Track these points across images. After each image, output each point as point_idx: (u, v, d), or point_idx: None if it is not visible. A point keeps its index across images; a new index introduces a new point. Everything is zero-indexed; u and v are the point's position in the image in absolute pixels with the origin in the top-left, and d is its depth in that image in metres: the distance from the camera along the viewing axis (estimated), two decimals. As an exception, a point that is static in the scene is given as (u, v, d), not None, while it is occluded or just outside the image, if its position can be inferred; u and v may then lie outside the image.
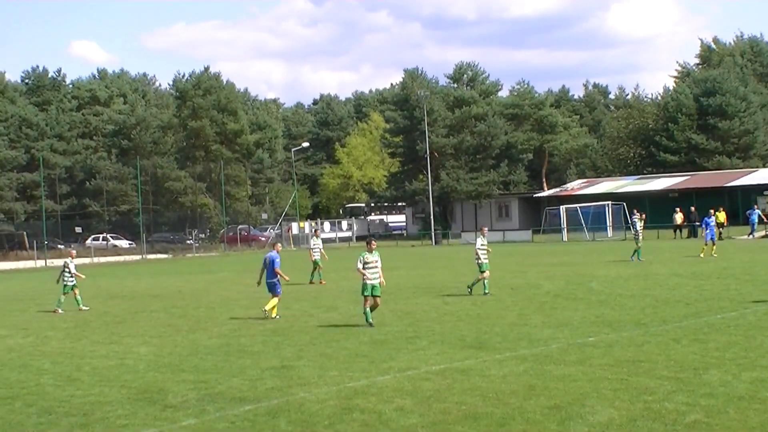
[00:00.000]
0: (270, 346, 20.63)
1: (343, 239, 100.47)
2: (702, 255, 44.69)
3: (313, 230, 47.24)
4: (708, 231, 46.05)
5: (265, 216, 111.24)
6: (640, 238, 44.93)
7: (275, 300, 26.48)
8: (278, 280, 26.60)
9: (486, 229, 33.78)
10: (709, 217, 47.68)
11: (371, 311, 23.37)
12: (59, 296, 32.25)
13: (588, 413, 12.74)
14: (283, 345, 20.63)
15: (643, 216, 46.86)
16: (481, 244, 30.89)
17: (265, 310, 26.23)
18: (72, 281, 32.19)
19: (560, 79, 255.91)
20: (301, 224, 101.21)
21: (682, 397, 13.40)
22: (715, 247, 45.72)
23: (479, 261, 30.64)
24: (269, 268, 26.60)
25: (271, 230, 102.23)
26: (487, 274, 30.63)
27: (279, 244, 29.20)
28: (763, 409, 12.54)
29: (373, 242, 24.09)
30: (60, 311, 31.50)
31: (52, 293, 40.52)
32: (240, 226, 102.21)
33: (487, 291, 30.32)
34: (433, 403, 13.77)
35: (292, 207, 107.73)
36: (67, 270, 32.32)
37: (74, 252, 35.65)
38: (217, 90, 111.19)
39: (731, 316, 22.01)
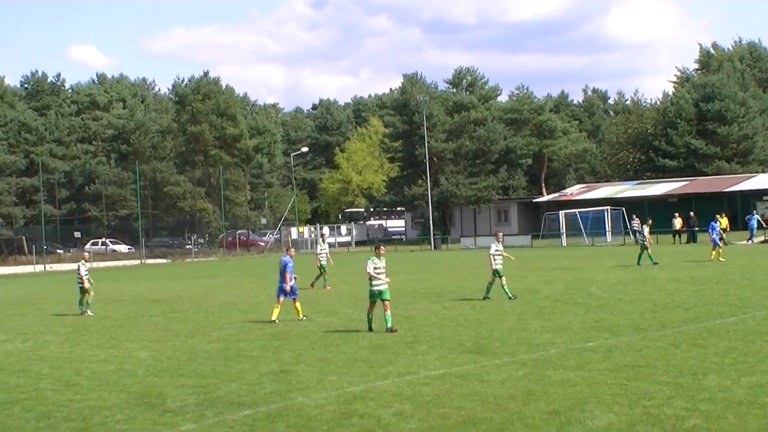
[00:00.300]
0: (269, 350, 20.62)
1: (342, 244, 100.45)
2: (721, 259, 44.82)
3: (320, 235, 47.15)
4: (715, 235, 46.20)
5: (264, 221, 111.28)
6: (647, 242, 44.81)
7: (297, 304, 26.56)
8: (293, 284, 26.58)
9: (501, 234, 33.59)
10: (715, 222, 47.83)
11: (388, 318, 23.02)
12: (86, 299, 32.21)
13: (587, 418, 12.74)
14: (283, 349, 20.62)
15: (650, 222, 46.86)
16: (496, 250, 30.70)
17: (302, 317, 26.32)
18: (88, 284, 32.16)
19: (559, 84, 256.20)
20: (300, 229, 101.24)
21: (681, 402, 13.39)
22: (714, 252, 45.79)
23: (493, 267, 30.48)
24: (282, 272, 26.59)
25: (270, 235, 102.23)
26: (503, 280, 30.51)
27: (292, 249, 29.28)
28: (762, 414, 12.54)
29: (381, 248, 24.01)
30: (89, 312, 31.59)
31: (51, 297, 40.59)
32: (239, 231, 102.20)
33: (488, 296, 30.26)
34: (432, 408, 13.76)
35: (291, 212, 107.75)
36: (78, 273, 32.32)
37: (87, 255, 35.53)
38: (217, 95, 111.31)
39: (730, 321, 22.00)
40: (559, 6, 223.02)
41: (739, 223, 72.31)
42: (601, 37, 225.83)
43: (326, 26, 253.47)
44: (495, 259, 30.43)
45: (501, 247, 31.11)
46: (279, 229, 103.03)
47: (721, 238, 47.10)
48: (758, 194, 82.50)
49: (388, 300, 23.13)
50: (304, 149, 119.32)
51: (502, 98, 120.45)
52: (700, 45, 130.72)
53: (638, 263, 44.13)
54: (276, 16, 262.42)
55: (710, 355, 17.36)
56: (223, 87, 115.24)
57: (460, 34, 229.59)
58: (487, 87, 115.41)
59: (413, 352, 19.43)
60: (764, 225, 66.02)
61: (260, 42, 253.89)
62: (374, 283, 23.08)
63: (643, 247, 44.73)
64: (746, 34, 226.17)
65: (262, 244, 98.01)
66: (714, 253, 45.67)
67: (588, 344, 19.32)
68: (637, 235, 69.68)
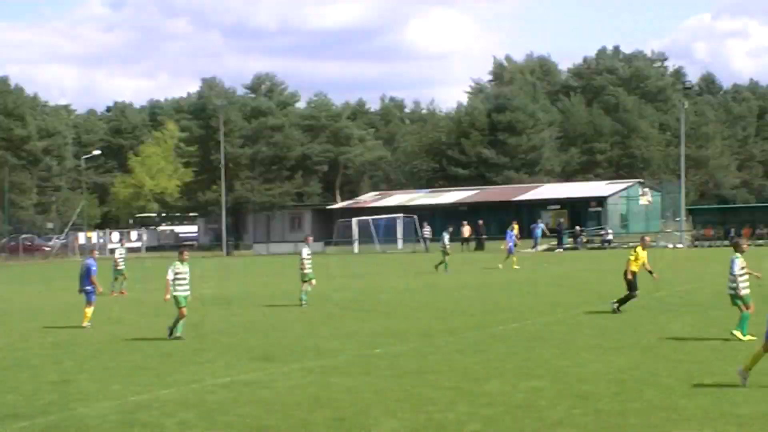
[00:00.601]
0: (49, 359, 19.92)
1: (132, 250, 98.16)
2: (516, 267, 45.92)
3: (119, 240, 46.24)
4: (511, 243, 47.46)
5: (51, 225, 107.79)
6: (447, 250, 45.63)
7: (90, 309, 25.69)
8: (93, 289, 25.80)
9: (311, 238, 33.36)
10: (512, 230, 49.19)
11: (179, 324, 22.57)
12: None
13: (372, 424, 12.83)
14: (64, 358, 19.96)
15: (450, 229, 47.82)
16: (307, 254, 30.42)
17: (87, 325, 25.53)
18: None
19: (358, 92, 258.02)
20: (89, 234, 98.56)
21: (463, 407, 13.64)
22: (508, 260, 46.93)
23: (304, 270, 30.14)
24: (85, 275, 25.78)
25: (56, 240, 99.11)
26: (313, 282, 30.22)
27: (96, 251, 28.49)
28: (537, 417, 12.91)
29: (185, 252, 23.58)
30: None
31: None
32: (23, 236, 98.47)
33: (304, 302, 29.93)
34: (216, 416, 13.59)
35: (80, 216, 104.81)
36: None
37: None
38: (4, 94, 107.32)
39: (513, 327, 22.63)
40: (360, 15, 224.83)
41: (525, 232, 74.55)
42: (400, 47, 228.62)
43: (124, 27, 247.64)
44: (305, 264, 30.13)
45: (311, 251, 30.98)
46: (66, 233, 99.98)
47: (514, 245, 48.51)
48: (543, 204, 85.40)
49: (184, 307, 22.69)
50: (96, 152, 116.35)
51: (301, 104, 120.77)
52: (494, 57, 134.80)
53: (436, 268, 44.77)
54: (72, 15, 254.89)
55: (492, 360, 17.80)
56: (12, 86, 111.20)
57: (261, 39, 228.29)
58: (286, 93, 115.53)
59: (200, 359, 19.17)
60: (548, 234, 68.29)
61: (54, 41, 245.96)
62: (177, 288, 22.55)
63: (444, 254, 45.48)
64: (537, 49, 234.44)
65: (47, 249, 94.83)
66: (507, 260, 46.85)
67: (375, 351, 19.50)
68: (428, 242, 71.12)
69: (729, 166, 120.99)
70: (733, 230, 61.71)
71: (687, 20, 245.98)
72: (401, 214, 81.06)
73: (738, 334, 19.05)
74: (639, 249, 25.48)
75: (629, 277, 24.95)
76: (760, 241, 61.20)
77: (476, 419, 12.93)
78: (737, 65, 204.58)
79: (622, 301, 24.89)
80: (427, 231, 72.83)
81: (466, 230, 70.56)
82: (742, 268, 19.28)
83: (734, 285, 19.28)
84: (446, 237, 46.48)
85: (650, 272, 25.30)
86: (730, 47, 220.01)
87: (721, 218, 67.55)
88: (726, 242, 56.49)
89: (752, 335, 18.89)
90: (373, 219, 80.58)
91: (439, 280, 40.04)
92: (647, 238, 27.52)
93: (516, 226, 54.87)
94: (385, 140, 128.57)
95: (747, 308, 19.22)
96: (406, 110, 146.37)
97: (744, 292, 19.25)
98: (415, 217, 78.84)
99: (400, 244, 78.75)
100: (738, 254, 19.40)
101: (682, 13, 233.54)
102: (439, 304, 29.37)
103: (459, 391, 14.81)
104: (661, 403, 13.52)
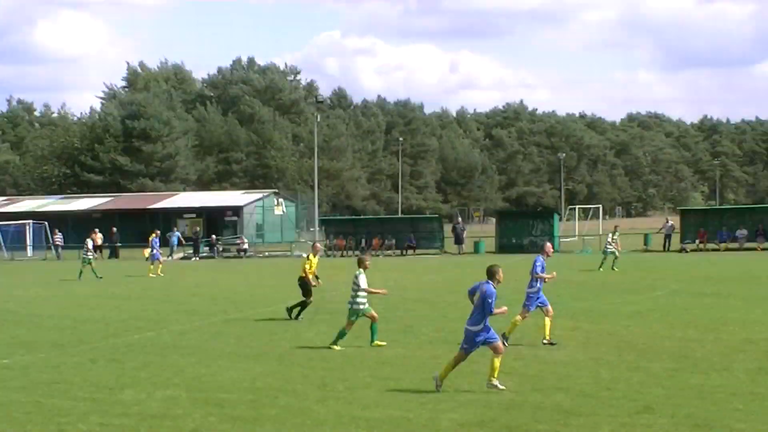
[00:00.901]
0: None
1: None
2: (161, 274, 45.29)
3: None
4: (156, 252, 46.88)
5: None
6: (89, 256, 44.55)
7: None
8: None
9: None
10: (156, 238, 48.61)
11: None
12: None
13: (-2, 438, 12.35)
14: None
15: (94, 236, 46.51)
16: None
17: None
18: None
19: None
20: None
21: (96, 418, 13.40)
22: (154, 267, 46.36)
23: None
24: None
25: None
26: None
27: None
28: (173, 426, 12.92)
29: None
30: None
31: None
32: None
33: None
34: None
35: None
36: None
37: None
38: None
39: (148, 336, 22.41)
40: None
41: (161, 241, 73.85)
42: (27, 49, 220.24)
43: None
44: None
45: None
46: None
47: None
48: (179, 212, 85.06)
49: None
50: None
51: None
52: (128, 63, 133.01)
53: (97, 277, 43.59)
54: None
55: (127, 369, 17.58)
56: None
57: None
58: None
59: None
60: (183, 242, 68.13)
61: None
62: None
63: (86, 262, 44.43)
64: (172, 56, 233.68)
65: None
66: (158, 267, 46.35)
67: (3, 361, 18.74)
68: (60, 249, 69.02)
69: (359, 179, 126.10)
70: (364, 240, 64.25)
71: (318, 36, 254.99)
72: (31, 221, 78.12)
73: (378, 343, 19.85)
74: (311, 256, 26.16)
75: (312, 283, 25.52)
76: (389, 252, 64.13)
77: (108, 429, 12.79)
78: (366, 82, 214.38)
79: (301, 308, 25.39)
80: (58, 238, 70.65)
81: (98, 238, 68.90)
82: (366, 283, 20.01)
83: (356, 298, 19.96)
84: (90, 243, 45.60)
85: (316, 277, 25.98)
86: (359, 64, 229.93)
87: (353, 229, 69.92)
88: (357, 252, 58.49)
89: (380, 341, 19.86)
90: (0, 225, 77.09)
91: (71, 288, 38.94)
92: (318, 245, 28.41)
93: (158, 233, 54.48)
94: (13, 144, 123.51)
95: (348, 325, 19.89)
96: (36, 114, 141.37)
97: (362, 307, 19.92)
98: (46, 223, 76.26)
99: (30, 251, 75.85)
100: (361, 270, 20.11)
101: (313, 28, 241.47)
102: (70, 313, 28.58)
103: (92, 402, 14.55)
104: (296, 408, 13.88)
